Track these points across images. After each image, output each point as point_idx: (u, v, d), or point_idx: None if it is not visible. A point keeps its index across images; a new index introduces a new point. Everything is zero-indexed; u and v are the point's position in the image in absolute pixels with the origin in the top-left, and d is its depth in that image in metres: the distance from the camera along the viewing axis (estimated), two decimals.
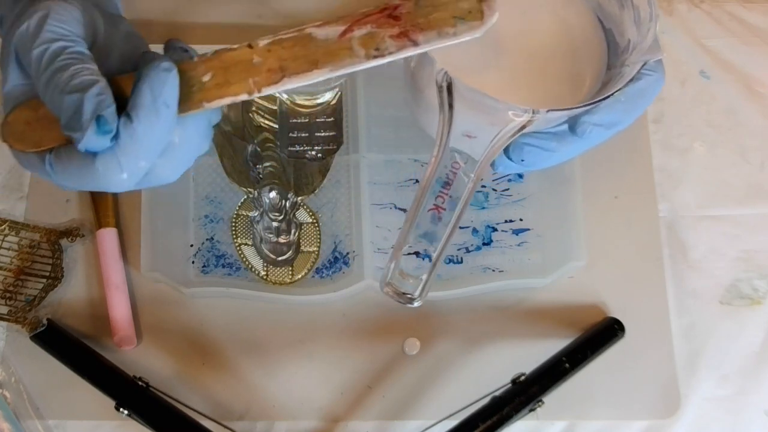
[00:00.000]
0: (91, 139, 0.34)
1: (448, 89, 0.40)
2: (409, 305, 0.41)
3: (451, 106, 0.40)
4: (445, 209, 0.43)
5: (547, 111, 0.39)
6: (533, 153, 0.43)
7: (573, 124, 0.43)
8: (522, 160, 0.43)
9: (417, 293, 0.41)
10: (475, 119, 0.42)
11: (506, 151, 0.43)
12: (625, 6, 0.45)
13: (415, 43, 0.36)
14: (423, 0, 0.37)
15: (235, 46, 0.37)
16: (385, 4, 0.37)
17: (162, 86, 0.35)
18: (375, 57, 0.36)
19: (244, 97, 0.37)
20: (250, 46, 0.37)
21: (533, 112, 0.39)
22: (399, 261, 0.41)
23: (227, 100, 0.36)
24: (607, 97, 0.41)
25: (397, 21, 0.36)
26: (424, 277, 0.41)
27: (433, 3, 0.37)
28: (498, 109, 0.40)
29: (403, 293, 0.41)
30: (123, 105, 0.35)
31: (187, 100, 0.36)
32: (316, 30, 0.37)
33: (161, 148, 0.36)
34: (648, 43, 0.43)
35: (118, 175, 0.35)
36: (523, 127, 0.40)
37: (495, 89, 0.39)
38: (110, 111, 0.34)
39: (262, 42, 0.37)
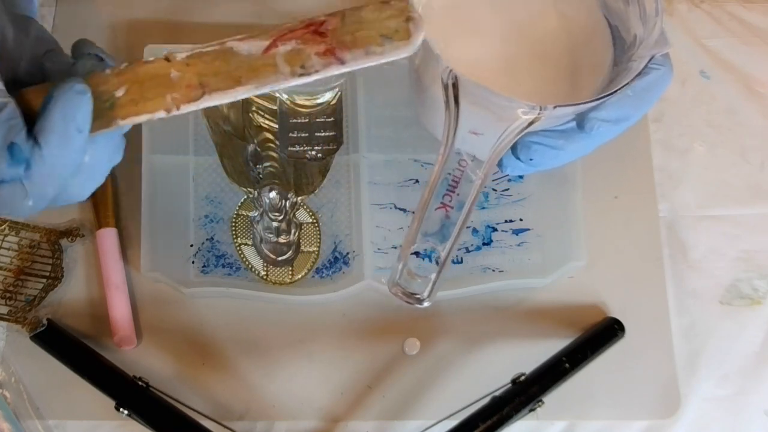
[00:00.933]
0: (2, 170, 0.32)
1: (453, 86, 0.40)
2: (418, 305, 0.41)
3: (457, 103, 0.40)
4: (452, 208, 0.42)
5: (554, 107, 0.39)
6: (541, 151, 0.42)
7: (581, 121, 0.42)
8: (530, 159, 0.43)
9: (426, 293, 0.40)
10: (481, 116, 0.41)
11: (514, 150, 0.43)
12: (630, 2, 0.45)
13: (342, 62, 0.35)
14: (349, 17, 0.35)
15: (152, 59, 0.35)
16: (310, 20, 0.36)
17: (75, 111, 0.32)
18: (300, 75, 0.35)
19: (161, 114, 0.35)
20: (167, 60, 0.35)
21: (540, 109, 0.39)
22: (407, 261, 0.41)
23: (143, 118, 0.35)
24: (615, 91, 0.40)
25: (323, 38, 0.35)
26: (433, 276, 0.40)
27: (360, 20, 0.35)
28: (505, 107, 0.40)
29: (412, 294, 0.41)
30: (30, 121, 0.33)
31: (99, 118, 0.34)
32: (239, 44, 0.35)
33: (71, 172, 0.34)
34: (654, 38, 0.42)
35: (23, 201, 0.33)
36: (531, 123, 0.40)
37: (498, 85, 0.39)
38: (21, 137, 0.32)
39: (180, 55, 0.35)
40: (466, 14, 0.47)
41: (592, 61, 0.47)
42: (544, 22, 0.47)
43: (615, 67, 0.46)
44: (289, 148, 0.58)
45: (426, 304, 0.41)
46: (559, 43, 0.47)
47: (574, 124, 0.43)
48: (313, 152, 0.58)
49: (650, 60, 0.42)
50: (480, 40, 0.46)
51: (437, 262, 0.55)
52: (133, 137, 0.56)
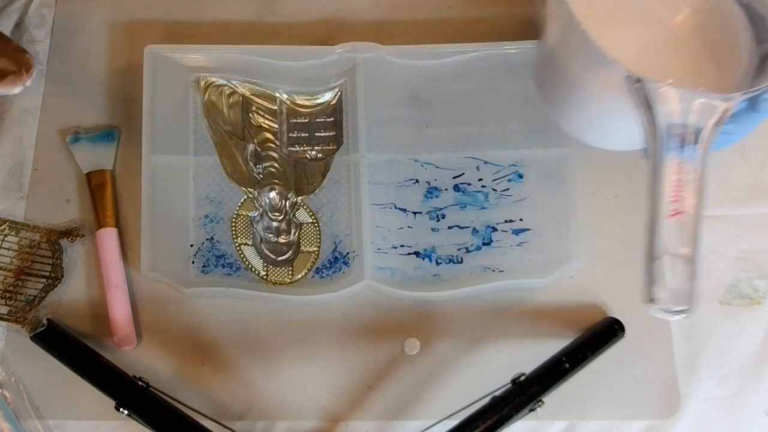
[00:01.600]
0: None
1: (639, 89, 0.39)
2: (680, 316, 0.40)
3: (650, 106, 0.39)
4: (683, 212, 0.41)
5: (742, 93, 0.39)
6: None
7: (753, 102, 0.42)
8: None
9: (687, 302, 0.40)
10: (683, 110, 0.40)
11: None
12: None
13: None
14: None
15: None
16: None
17: None
18: None
19: None
20: None
21: (727, 98, 0.38)
22: (654, 276, 0.40)
23: None
24: None
25: None
26: (688, 285, 0.40)
27: None
28: (688, 99, 0.39)
29: (674, 309, 0.40)
30: None
31: None
32: None
33: None
34: None
35: None
36: (726, 111, 0.39)
37: (652, 75, 0.38)
38: None
39: None
40: (601, 4, 0.46)
41: (728, 41, 0.46)
42: (672, 5, 0.47)
43: (760, 44, 0.45)
44: (289, 148, 0.58)
45: (689, 314, 0.40)
46: (689, 25, 0.46)
47: (743, 105, 0.43)
48: (313, 152, 0.58)
49: None
50: (619, 29, 0.45)
51: (451, 261, 0.55)
52: (134, 137, 0.56)
